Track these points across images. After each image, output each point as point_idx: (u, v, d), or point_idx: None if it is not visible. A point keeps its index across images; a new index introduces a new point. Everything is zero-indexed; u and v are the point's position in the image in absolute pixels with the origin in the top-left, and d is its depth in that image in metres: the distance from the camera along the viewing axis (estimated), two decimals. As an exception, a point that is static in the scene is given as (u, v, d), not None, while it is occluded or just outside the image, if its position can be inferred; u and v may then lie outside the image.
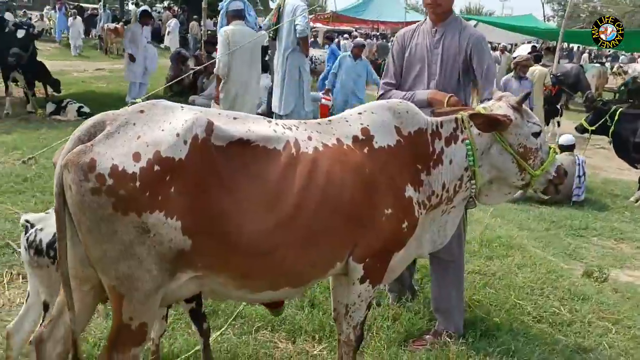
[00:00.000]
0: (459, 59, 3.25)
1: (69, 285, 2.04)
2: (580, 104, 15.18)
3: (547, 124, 11.27)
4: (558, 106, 12.08)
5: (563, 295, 4.16)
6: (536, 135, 2.76)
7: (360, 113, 2.59)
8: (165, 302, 2.30)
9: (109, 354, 2.12)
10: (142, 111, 2.05)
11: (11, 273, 3.79)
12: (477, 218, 5.82)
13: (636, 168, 8.29)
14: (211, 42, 11.77)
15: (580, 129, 8.67)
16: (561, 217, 6.78)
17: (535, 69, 10.62)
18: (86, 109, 9.18)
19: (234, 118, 2.27)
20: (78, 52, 20.31)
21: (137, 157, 1.93)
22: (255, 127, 2.27)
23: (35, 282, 2.57)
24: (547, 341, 3.44)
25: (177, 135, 2.00)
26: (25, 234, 2.55)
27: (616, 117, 8.18)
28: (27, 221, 2.58)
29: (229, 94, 7.01)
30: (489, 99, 2.95)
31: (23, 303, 3.45)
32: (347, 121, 2.55)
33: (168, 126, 2.02)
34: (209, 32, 15.80)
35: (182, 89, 11.70)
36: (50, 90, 10.61)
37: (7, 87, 9.34)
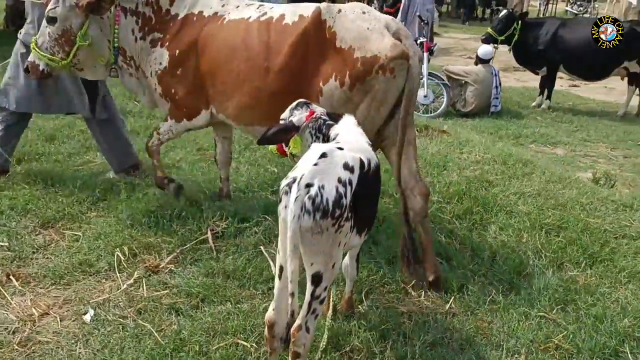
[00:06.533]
0: None
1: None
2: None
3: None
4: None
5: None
6: None
7: None
8: None
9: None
10: None
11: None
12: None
13: (537, 74, 9.04)
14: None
15: (489, 39, 8.78)
16: (493, 127, 7.26)
17: None
18: None
19: None
20: None
21: None
22: None
23: (308, 253, 2.17)
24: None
25: None
26: (291, 193, 2.10)
27: (519, 26, 8.58)
28: (297, 179, 2.11)
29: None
30: None
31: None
32: None
33: None
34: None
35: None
36: None
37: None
